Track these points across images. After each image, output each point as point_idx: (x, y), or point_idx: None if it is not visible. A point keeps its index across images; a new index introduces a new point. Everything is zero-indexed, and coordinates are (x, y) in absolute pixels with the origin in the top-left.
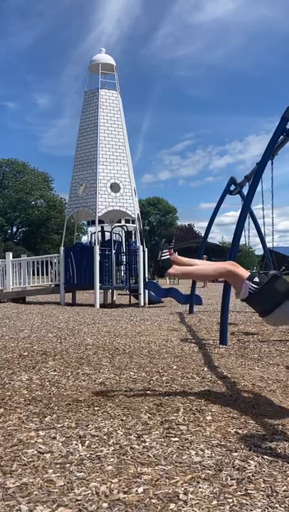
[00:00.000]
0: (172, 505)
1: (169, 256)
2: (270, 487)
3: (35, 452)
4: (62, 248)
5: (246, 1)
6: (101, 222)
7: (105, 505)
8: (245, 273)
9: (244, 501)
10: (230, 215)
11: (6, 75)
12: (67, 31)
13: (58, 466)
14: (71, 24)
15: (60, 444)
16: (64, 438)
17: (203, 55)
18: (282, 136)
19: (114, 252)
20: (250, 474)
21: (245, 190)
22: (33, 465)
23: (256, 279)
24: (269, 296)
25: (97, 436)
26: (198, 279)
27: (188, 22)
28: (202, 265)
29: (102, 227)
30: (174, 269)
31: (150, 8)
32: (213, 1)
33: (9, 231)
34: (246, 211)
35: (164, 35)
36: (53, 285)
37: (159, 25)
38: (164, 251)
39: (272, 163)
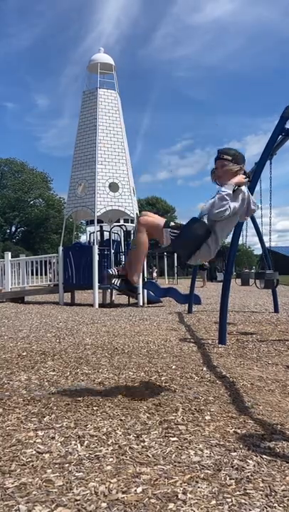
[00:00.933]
0: (171, 505)
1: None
2: (269, 487)
3: (34, 452)
4: (61, 248)
5: (245, 2)
6: (100, 221)
7: (104, 505)
8: (161, 221)
9: (243, 501)
10: None
11: (6, 75)
12: (66, 32)
13: (56, 466)
14: (70, 25)
15: (59, 444)
16: (63, 438)
17: (202, 55)
18: (281, 136)
19: (113, 251)
20: (248, 474)
21: None
22: (32, 465)
23: (172, 224)
24: (189, 240)
25: (96, 436)
26: (140, 252)
27: (187, 23)
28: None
29: (101, 227)
30: (131, 275)
31: (149, 9)
32: (212, 2)
33: (8, 231)
34: None
35: (163, 36)
36: (51, 285)
37: (158, 26)
38: (114, 280)
39: (270, 163)
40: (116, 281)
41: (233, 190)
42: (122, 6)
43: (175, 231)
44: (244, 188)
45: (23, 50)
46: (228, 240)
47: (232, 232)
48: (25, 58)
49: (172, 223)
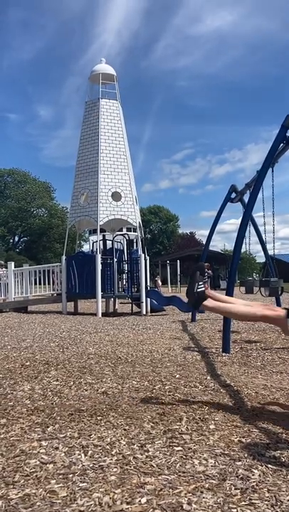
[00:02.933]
0: None
1: (204, 289)
2: (275, 496)
3: (38, 463)
4: (64, 257)
5: (245, 13)
6: (103, 230)
7: None
8: (281, 312)
9: (248, 511)
10: (231, 223)
11: (9, 86)
12: (68, 44)
13: (60, 476)
14: (72, 37)
15: (63, 454)
16: (67, 448)
17: (203, 65)
18: (282, 144)
19: (115, 260)
20: (254, 484)
21: (246, 198)
22: (36, 476)
23: None
24: None
25: (100, 446)
26: (233, 317)
27: (187, 33)
28: (238, 304)
29: (104, 236)
30: (209, 302)
31: (150, 21)
32: (212, 13)
33: (11, 241)
34: (247, 219)
35: (164, 47)
36: (55, 294)
37: (159, 37)
38: (200, 283)
39: (272, 171)
40: (200, 286)
41: None
42: (123, 18)
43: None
44: None
45: (26, 62)
46: (231, 247)
47: (235, 240)
48: (28, 70)
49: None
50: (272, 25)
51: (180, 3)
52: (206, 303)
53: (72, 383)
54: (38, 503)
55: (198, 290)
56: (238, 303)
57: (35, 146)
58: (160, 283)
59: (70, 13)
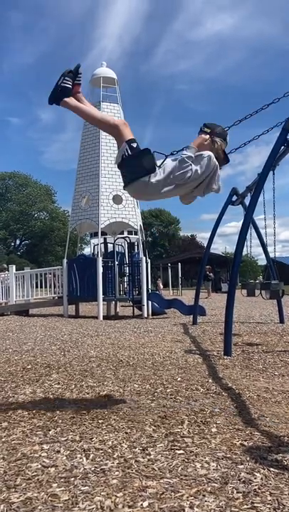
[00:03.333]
0: None
1: (70, 86)
2: (277, 500)
3: (40, 466)
4: (65, 260)
5: (245, 17)
6: (104, 233)
7: None
8: (129, 135)
9: None
10: (232, 226)
11: (10, 90)
12: (69, 48)
13: (62, 480)
14: (73, 41)
15: (65, 457)
16: (68, 451)
17: (204, 69)
18: (283, 147)
19: (117, 263)
20: (256, 487)
21: (247, 201)
22: (37, 479)
23: (134, 145)
24: (134, 167)
25: (102, 449)
26: (85, 118)
27: (188, 38)
28: (93, 109)
29: (105, 239)
30: (71, 100)
31: (150, 26)
32: (212, 16)
33: (12, 244)
34: (248, 221)
35: (165, 51)
36: (56, 297)
37: (160, 42)
38: (67, 79)
39: (273, 174)
40: (68, 81)
41: (196, 155)
42: (123, 23)
43: (130, 151)
44: (212, 159)
45: (27, 66)
46: (232, 250)
47: (236, 243)
48: (29, 74)
49: (134, 144)
50: (272, 29)
51: (180, 7)
52: (67, 99)
53: (73, 386)
54: (39, 507)
55: (63, 84)
56: (95, 109)
57: (37, 149)
58: (161, 286)
59: (71, 17)
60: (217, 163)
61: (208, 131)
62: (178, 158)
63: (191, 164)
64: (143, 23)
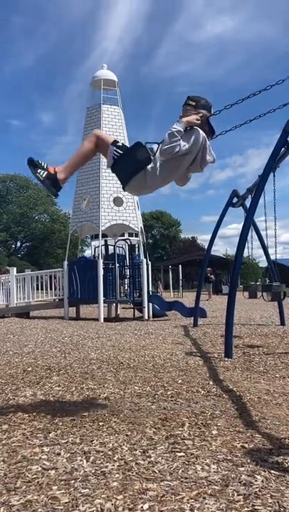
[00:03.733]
0: None
1: (46, 173)
2: (278, 502)
3: (40, 469)
4: (66, 262)
5: (246, 19)
6: (104, 236)
7: None
8: (109, 139)
9: None
10: (232, 228)
11: (11, 93)
12: (70, 50)
13: (62, 482)
14: (74, 43)
15: (65, 460)
16: (68, 454)
17: (204, 71)
18: (283, 149)
19: (117, 265)
20: (257, 490)
21: (247, 203)
22: (38, 482)
23: (120, 144)
24: (129, 163)
25: (102, 451)
26: (80, 159)
27: (189, 40)
28: (74, 156)
29: (106, 241)
30: (61, 174)
31: (151, 28)
32: (212, 19)
33: (13, 246)
34: (249, 223)
35: (166, 53)
36: (56, 299)
37: (161, 44)
38: (39, 171)
39: (274, 176)
40: (41, 173)
41: (185, 130)
42: (124, 25)
43: (119, 151)
44: (200, 133)
45: (28, 69)
46: (233, 252)
47: (236, 245)
48: (30, 76)
49: (120, 143)
50: (273, 31)
51: (181, 9)
52: (60, 177)
53: (74, 389)
54: (39, 510)
55: (43, 175)
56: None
57: (38, 151)
58: (161, 288)
59: (71, 19)
60: (205, 135)
61: (193, 104)
62: (167, 131)
63: (180, 139)
64: (144, 24)
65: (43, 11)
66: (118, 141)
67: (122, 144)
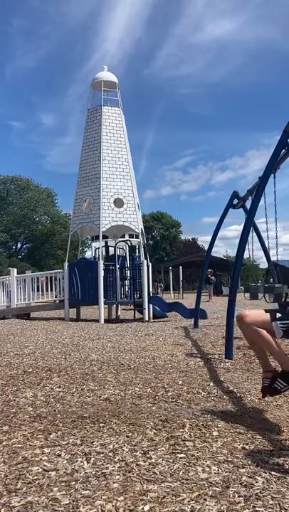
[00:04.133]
0: None
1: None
2: (279, 504)
3: (40, 470)
4: (66, 264)
5: (245, 22)
6: (105, 237)
7: None
8: (265, 317)
9: None
10: (233, 229)
11: (12, 95)
12: (71, 53)
13: (63, 484)
14: (75, 46)
15: (65, 461)
16: (69, 455)
17: (205, 73)
18: (284, 150)
19: (118, 266)
20: (257, 491)
21: (248, 204)
22: (38, 483)
23: (278, 315)
24: None
25: (103, 453)
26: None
27: (189, 42)
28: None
29: (106, 242)
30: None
31: (152, 30)
32: (213, 21)
33: (14, 247)
34: (250, 225)
35: (166, 55)
36: (57, 301)
37: (161, 46)
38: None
39: (274, 177)
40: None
41: None
42: (125, 27)
43: (285, 323)
44: None
45: (29, 71)
46: (234, 253)
47: (237, 246)
48: (31, 78)
49: (278, 315)
50: (273, 33)
51: (181, 12)
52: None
53: (74, 390)
54: (40, 511)
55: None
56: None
57: (39, 153)
58: (160, 290)
59: (72, 22)
60: None
61: None
62: None
63: None
64: (144, 27)
65: (43, 13)
66: (275, 315)
67: (280, 314)
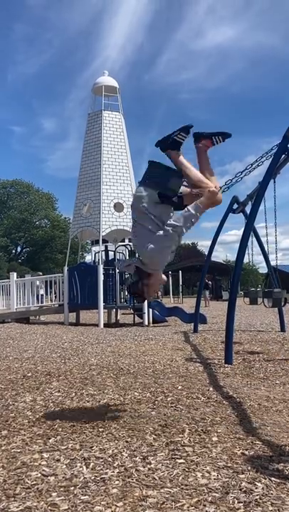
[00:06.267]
0: None
1: (182, 141)
2: (278, 510)
3: (39, 475)
4: (66, 268)
5: (246, 28)
6: (105, 241)
7: None
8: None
9: None
10: (232, 234)
11: (13, 100)
12: (72, 58)
13: (62, 489)
14: (77, 51)
15: (64, 466)
16: (68, 460)
17: (205, 79)
18: (283, 156)
19: (118, 271)
20: (257, 497)
21: (247, 209)
22: (37, 488)
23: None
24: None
25: (102, 458)
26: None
27: (190, 48)
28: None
29: (106, 247)
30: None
31: (153, 36)
32: (213, 28)
33: (13, 251)
34: (249, 230)
35: (167, 61)
36: (56, 305)
37: (162, 52)
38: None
39: (274, 182)
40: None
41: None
42: (127, 33)
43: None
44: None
45: (30, 76)
46: (233, 258)
47: (237, 251)
48: (33, 84)
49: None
50: (273, 40)
51: (182, 18)
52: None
53: (73, 394)
54: None
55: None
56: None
57: (39, 157)
58: (159, 293)
59: (75, 28)
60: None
61: None
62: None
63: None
64: (146, 33)
65: (45, 19)
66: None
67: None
